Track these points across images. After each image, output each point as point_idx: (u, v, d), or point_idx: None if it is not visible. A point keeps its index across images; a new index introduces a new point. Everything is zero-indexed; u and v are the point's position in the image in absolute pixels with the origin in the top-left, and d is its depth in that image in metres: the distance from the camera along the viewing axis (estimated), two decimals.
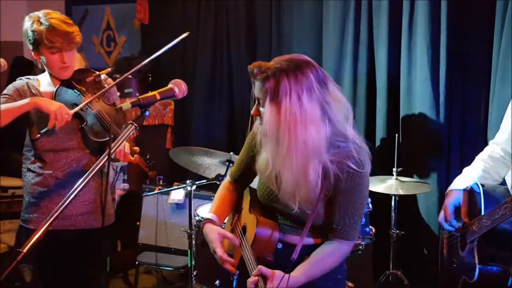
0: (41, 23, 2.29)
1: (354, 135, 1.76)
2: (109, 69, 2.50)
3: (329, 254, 1.82)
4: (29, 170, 2.44)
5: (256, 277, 1.71)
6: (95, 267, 2.47)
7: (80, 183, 1.58)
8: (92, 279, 2.52)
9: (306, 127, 1.66)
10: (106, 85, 2.44)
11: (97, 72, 2.45)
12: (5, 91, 2.40)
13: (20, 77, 2.49)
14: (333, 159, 1.72)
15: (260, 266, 1.73)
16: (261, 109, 1.75)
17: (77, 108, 2.29)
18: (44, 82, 2.47)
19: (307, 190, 1.74)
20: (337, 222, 1.79)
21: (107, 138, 2.30)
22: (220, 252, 1.86)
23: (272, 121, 1.68)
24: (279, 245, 1.87)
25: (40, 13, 2.33)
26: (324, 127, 1.70)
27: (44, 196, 2.40)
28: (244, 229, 1.98)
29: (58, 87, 2.41)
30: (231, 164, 3.13)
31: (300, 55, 1.76)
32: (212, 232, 1.92)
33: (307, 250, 1.83)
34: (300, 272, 1.75)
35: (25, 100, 2.27)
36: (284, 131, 1.67)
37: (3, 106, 2.27)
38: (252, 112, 1.79)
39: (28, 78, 2.47)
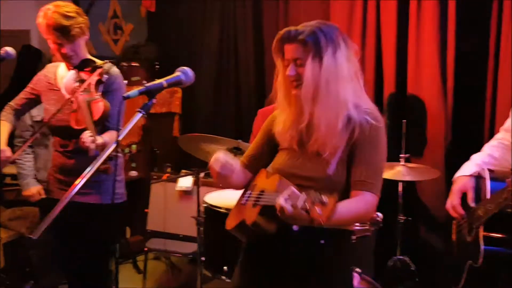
0: (44, 17, 2.43)
1: (366, 97, 1.91)
2: (106, 61, 2.57)
3: (355, 200, 1.83)
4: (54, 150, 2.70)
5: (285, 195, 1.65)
6: (104, 240, 2.56)
7: (89, 170, 1.61)
8: (101, 252, 2.60)
9: (338, 80, 1.81)
10: (105, 76, 2.52)
11: (96, 63, 2.53)
12: (30, 83, 2.68)
13: (53, 63, 2.72)
14: (353, 115, 1.84)
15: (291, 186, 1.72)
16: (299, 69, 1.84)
17: (56, 111, 2.46)
18: (63, 66, 2.64)
19: (337, 140, 1.84)
20: (358, 175, 1.83)
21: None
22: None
23: (314, 76, 1.80)
24: (295, 228, 1.87)
25: (51, 5, 2.46)
26: (350, 83, 1.84)
27: (61, 171, 2.64)
28: (262, 192, 1.95)
29: (68, 75, 2.54)
30: (238, 151, 3.14)
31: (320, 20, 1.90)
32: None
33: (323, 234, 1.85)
34: None
35: None
36: (323, 84, 1.80)
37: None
38: (290, 73, 1.84)
39: (54, 66, 2.67)
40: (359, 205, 1.82)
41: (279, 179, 1.89)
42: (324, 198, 1.52)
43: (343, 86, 1.81)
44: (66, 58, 2.53)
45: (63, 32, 2.43)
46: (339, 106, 1.82)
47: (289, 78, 1.85)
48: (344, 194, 1.87)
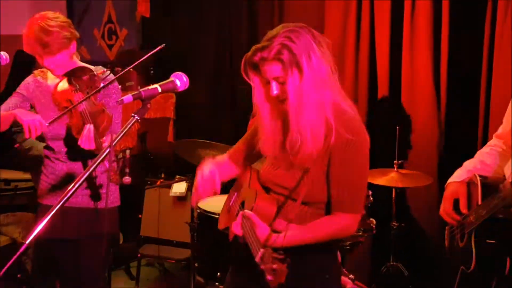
0: (27, 27, 2.43)
1: (344, 95, 1.84)
2: (103, 70, 2.58)
3: (326, 222, 1.81)
4: (45, 155, 2.69)
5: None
6: (99, 242, 2.55)
7: (81, 176, 1.61)
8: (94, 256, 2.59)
9: (318, 87, 1.73)
10: (101, 83, 2.52)
11: (93, 71, 2.52)
12: (18, 89, 2.63)
13: (41, 69, 2.68)
14: (330, 119, 1.77)
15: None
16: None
17: (56, 118, 2.43)
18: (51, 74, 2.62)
19: (319, 150, 1.78)
20: (335, 194, 1.79)
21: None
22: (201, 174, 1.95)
23: (296, 90, 1.73)
24: None
25: (38, 16, 2.46)
26: (329, 83, 1.77)
27: (53, 177, 2.63)
28: (242, 204, 1.96)
29: (59, 82, 2.53)
30: None
31: (285, 24, 1.81)
32: (209, 163, 1.99)
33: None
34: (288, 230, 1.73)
35: (10, 111, 2.47)
36: (305, 96, 1.73)
37: (2, 114, 2.46)
38: (274, 93, 1.78)
39: (42, 71, 2.65)
40: (333, 226, 1.81)
41: (256, 196, 1.88)
42: (276, 265, 1.51)
43: (323, 91, 1.75)
44: (49, 69, 2.54)
45: (41, 46, 2.42)
46: (320, 113, 1.76)
47: (273, 96, 1.79)
48: (327, 204, 1.85)
